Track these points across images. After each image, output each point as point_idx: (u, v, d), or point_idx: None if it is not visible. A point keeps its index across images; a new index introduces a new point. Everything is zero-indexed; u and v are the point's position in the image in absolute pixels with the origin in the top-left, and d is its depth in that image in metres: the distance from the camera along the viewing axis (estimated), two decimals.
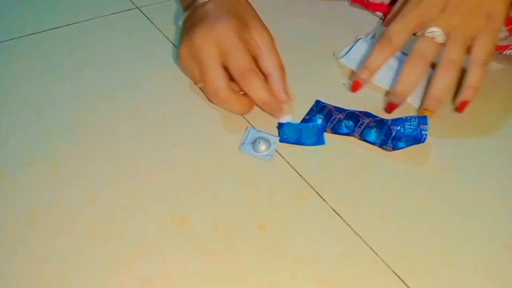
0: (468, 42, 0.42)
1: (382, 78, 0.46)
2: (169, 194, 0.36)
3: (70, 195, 0.36)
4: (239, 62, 0.39)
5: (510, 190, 0.40)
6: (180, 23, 0.45)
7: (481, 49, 0.42)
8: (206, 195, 0.36)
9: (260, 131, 0.41)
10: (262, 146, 0.39)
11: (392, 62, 0.47)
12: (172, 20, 0.53)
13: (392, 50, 0.43)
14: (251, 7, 0.44)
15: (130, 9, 0.54)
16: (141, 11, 0.54)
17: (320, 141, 0.41)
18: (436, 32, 0.42)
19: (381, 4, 0.55)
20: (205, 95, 0.44)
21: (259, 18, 0.43)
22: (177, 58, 0.43)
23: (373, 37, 0.49)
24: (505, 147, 0.43)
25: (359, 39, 0.48)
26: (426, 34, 0.42)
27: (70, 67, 0.46)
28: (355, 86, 0.44)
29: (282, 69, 0.42)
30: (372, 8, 0.56)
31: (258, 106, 0.42)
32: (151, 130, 0.41)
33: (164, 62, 0.48)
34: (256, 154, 0.39)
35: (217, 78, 0.40)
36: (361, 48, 0.47)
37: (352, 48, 0.47)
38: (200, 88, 0.44)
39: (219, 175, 0.38)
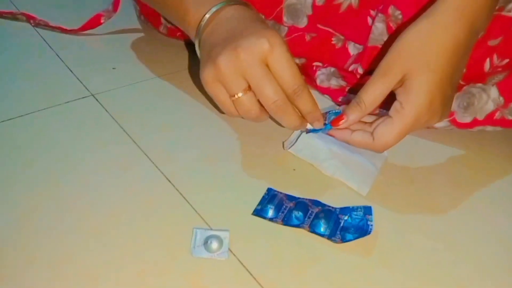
0: None
1: (328, 167, 0.48)
2: None
3: None
4: (270, 93, 0.42)
5: (459, 276, 0.41)
6: (198, 50, 0.47)
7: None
8: None
9: (208, 229, 0.42)
10: (215, 245, 0.40)
11: (337, 151, 0.49)
12: (127, 108, 0.54)
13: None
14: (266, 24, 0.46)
15: (85, 97, 0.55)
16: (96, 99, 0.55)
17: None
18: None
19: (328, 88, 0.58)
20: (247, 116, 0.45)
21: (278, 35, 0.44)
22: (202, 81, 0.44)
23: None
24: (452, 231, 0.45)
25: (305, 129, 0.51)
26: None
27: (18, 163, 0.46)
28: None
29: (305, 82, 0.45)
30: (320, 90, 0.59)
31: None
32: (98, 232, 0.41)
33: (116, 154, 0.48)
34: (211, 254, 0.39)
35: (275, 91, 0.42)
36: (307, 139, 0.50)
37: (299, 139, 0.50)
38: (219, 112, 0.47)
39: (167, 280, 0.38)
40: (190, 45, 0.66)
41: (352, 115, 0.45)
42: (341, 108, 0.49)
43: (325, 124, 0.47)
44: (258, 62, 0.41)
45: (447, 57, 0.42)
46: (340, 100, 0.58)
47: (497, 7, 0.48)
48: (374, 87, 0.43)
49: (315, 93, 0.60)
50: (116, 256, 0.39)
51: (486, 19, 0.44)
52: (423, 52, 0.42)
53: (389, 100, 0.45)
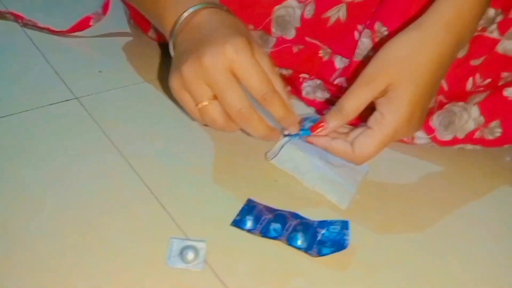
0: None
1: (309, 179, 0.49)
2: None
3: None
4: (234, 101, 0.41)
5: None
6: (172, 52, 0.46)
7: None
8: None
9: (185, 239, 0.41)
10: (191, 255, 0.39)
11: (319, 163, 0.49)
12: (111, 113, 0.54)
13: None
14: (246, 28, 0.45)
15: (69, 100, 0.55)
16: (80, 102, 0.54)
17: None
18: None
19: (313, 100, 0.59)
20: (214, 126, 0.44)
21: (255, 41, 0.43)
22: (171, 89, 0.44)
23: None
24: (429, 248, 0.45)
25: (288, 141, 0.51)
26: None
27: None
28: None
29: (284, 87, 0.44)
30: (306, 102, 0.60)
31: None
32: (74, 239, 0.40)
33: (97, 159, 0.48)
34: (187, 265, 0.39)
35: (239, 99, 0.41)
36: (290, 150, 0.50)
37: (282, 150, 0.50)
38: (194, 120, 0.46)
39: None
40: (164, 48, 0.65)
41: (333, 122, 0.44)
42: (319, 116, 0.48)
43: (302, 129, 0.46)
44: (221, 70, 0.40)
45: (432, 70, 0.42)
46: (324, 113, 0.58)
47: (479, 28, 0.49)
48: (357, 94, 0.42)
49: (301, 104, 0.61)
50: (90, 263, 0.39)
51: (470, 35, 0.45)
52: (410, 63, 0.41)
53: (364, 111, 0.44)
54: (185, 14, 0.44)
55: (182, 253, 0.39)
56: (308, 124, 0.46)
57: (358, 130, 0.45)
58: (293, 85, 0.61)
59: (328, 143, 0.45)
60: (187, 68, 0.41)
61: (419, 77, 0.41)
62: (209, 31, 0.42)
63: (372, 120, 0.43)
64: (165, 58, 0.65)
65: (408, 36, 0.42)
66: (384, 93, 0.42)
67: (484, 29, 0.49)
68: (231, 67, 0.40)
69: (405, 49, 0.42)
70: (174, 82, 0.43)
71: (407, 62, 0.41)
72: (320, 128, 0.44)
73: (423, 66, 0.42)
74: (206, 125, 0.45)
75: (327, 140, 0.45)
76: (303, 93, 0.59)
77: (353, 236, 0.44)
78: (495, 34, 0.49)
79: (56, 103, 0.54)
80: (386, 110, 0.42)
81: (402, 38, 0.42)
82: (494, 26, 0.49)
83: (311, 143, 0.46)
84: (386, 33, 0.51)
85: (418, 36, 0.42)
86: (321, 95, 0.58)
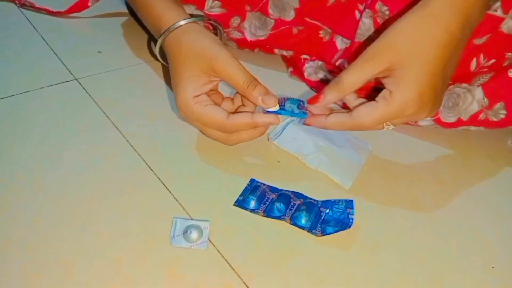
0: None
1: (313, 159, 0.48)
2: None
3: None
4: (214, 134, 0.46)
5: (436, 272, 0.42)
6: (157, 52, 0.49)
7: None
8: None
9: (188, 219, 0.41)
10: (195, 235, 0.39)
11: (322, 144, 0.49)
12: (111, 94, 0.53)
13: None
14: (216, 45, 0.45)
15: (69, 81, 0.54)
16: (79, 83, 0.54)
17: None
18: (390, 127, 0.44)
19: (316, 81, 0.58)
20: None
21: (226, 61, 0.44)
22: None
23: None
24: (432, 228, 0.46)
25: (290, 122, 0.51)
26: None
27: None
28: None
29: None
30: (308, 83, 0.59)
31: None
32: (76, 218, 0.40)
33: (98, 140, 0.47)
34: (190, 244, 0.39)
35: (215, 136, 0.46)
36: (292, 131, 0.50)
37: (284, 131, 0.50)
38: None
39: (144, 269, 0.37)
40: None
41: (330, 94, 0.43)
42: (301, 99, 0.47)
43: (304, 112, 0.45)
44: (188, 118, 0.45)
45: (439, 49, 0.41)
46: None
47: None
48: (356, 70, 0.42)
49: (303, 85, 0.60)
50: (93, 242, 0.39)
51: (480, 13, 0.43)
52: (414, 43, 0.41)
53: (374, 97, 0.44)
54: (171, 28, 0.46)
55: (186, 232, 0.39)
56: (288, 105, 0.45)
57: (362, 101, 0.44)
58: (295, 66, 0.60)
59: (324, 121, 0.44)
60: (179, 110, 0.46)
61: (425, 56, 0.41)
62: (177, 60, 0.45)
63: (380, 95, 0.42)
64: None
65: (413, 16, 0.41)
66: (387, 72, 0.41)
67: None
68: (191, 111, 0.44)
69: (409, 29, 0.41)
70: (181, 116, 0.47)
71: (412, 41, 0.41)
72: (319, 100, 0.43)
73: (429, 45, 0.41)
74: None
75: (322, 118, 0.44)
76: (305, 74, 0.59)
77: (357, 215, 0.44)
78: (499, 13, 0.49)
79: (56, 84, 0.53)
80: (395, 88, 0.41)
81: (408, 18, 0.42)
82: (498, 4, 0.48)
83: (309, 125, 0.45)
84: (387, 12, 0.50)
85: (423, 14, 0.41)
86: (323, 77, 0.58)
